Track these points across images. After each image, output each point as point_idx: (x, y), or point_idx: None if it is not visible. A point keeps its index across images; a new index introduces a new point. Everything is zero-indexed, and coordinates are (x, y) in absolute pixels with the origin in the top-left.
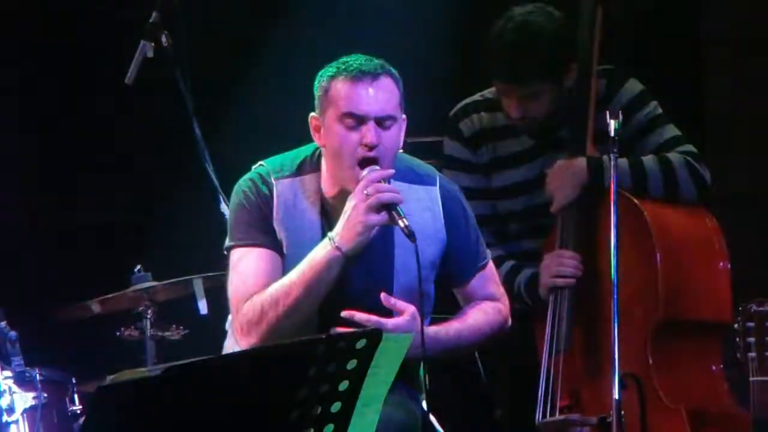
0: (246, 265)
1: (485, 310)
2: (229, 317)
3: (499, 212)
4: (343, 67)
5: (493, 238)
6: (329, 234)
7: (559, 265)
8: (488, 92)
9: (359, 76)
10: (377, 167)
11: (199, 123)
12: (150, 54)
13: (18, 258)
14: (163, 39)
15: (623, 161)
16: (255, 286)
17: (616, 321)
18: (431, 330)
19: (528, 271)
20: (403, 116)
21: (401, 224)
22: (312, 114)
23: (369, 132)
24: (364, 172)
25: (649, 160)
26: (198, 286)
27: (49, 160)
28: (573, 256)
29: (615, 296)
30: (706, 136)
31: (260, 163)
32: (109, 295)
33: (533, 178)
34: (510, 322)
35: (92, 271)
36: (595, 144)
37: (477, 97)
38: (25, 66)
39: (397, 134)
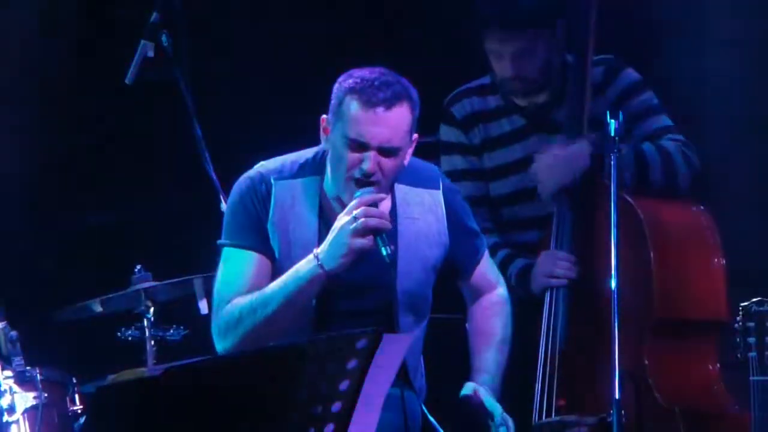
0: (232, 266)
1: (497, 312)
2: None
3: (491, 195)
4: (361, 85)
5: (489, 223)
6: (315, 251)
7: (553, 265)
8: (481, 80)
9: (373, 102)
10: (371, 189)
11: (199, 123)
12: (150, 54)
13: (18, 258)
14: (163, 39)
15: (627, 149)
16: (238, 289)
17: (616, 321)
18: (495, 373)
19: (520, 261)
20: (414, 136)
21: (384, 252)
22: (324, 116)
23: (368, 161)
24: (358, 193)
25: (649, 148)
26: (198, 286)
27: (49, 160)
28: (567, 258)
29: (615, 297)
30: (707, 136)
31: (261, 162)
32: (110, 295)
33: (523, 158)
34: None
35: (92, 271)
36: (589, 131)
37: (470, 84)
38: (25, 66)
39: (400, 161)
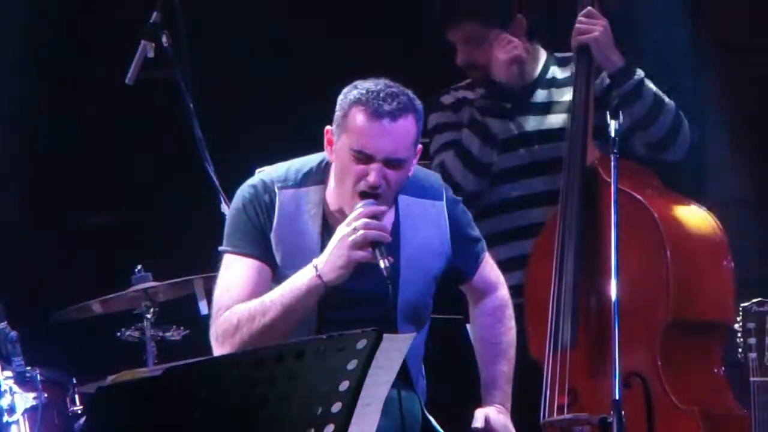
0: (233, 273)
1: (499, 318)
2: None
3: None
4: (366, 97)
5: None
6: (314, 261)
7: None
8: (469, 79)
9: (378, 114)
10: (373, 201)
11: (199, 123)
12: (150, 54)
13: (18, 258)
14: (163, 39)
15: (651, 84)
16: (237, 296)
17: (616, 321)
18: (505, 386)
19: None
20: (419, 147)
21: (382, 264)
22: (328, 127)
23: (373, 173)
24: (359, 204)
25: (669, 100)
26: (198, 286)
27: (49, 161)
28: None
29: (615, 296)
30: (707, 136)
31: (264, 169)
32: (110, 295)
33: (508, 139)
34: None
35: (92, 271)
36: (594, 139)
37: (459, 83)
38: (25, 66)
39: (404, 172)
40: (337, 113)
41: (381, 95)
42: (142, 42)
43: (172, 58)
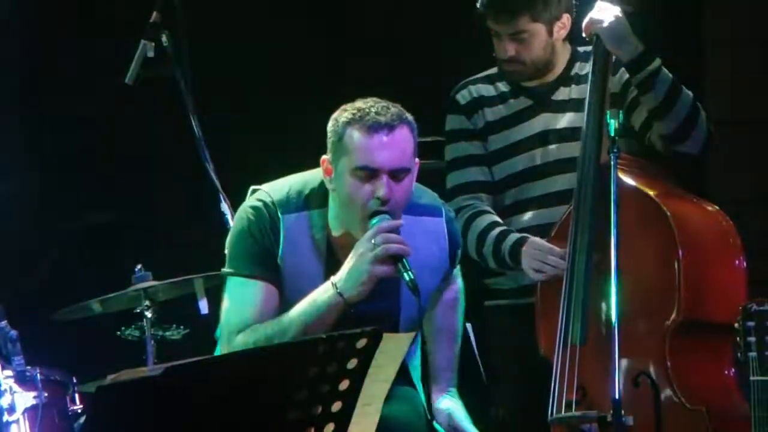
0: (244, 295)
1: (454, 306)
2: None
3: (496, 178)
4: (359, 115)
5: (490, 208)
6: (332, 279)
7: (543, 260)
8: (491, 70)
9: (375, 127)
10: (388, 216)
11: (199, 123)
12: (150, 54)
13: (18, 258)
14: (163, 39)
15: (668, 73)
16: (250, 318)
17: (616, 322)
18: (456, 367)
19: (513, 236)
20: (416, 160)
21: (406, 277)
22: (324, 156)
23: (382, 186)
24: (374, 220)
25: (687, 90)
26: (199, 285)
27: (49, 160)
28: (558, 254)
29: (615, 297)
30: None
31: (261, 188)
32: (110, 295)
33: (530, 137)
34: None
35: (92, 271)
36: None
37: (478, 75)
38: (25, 66)
39: (409, 184)
40: (331, 139)
41: (373, 110)
42: (142, 42)
43: (172, 58)
